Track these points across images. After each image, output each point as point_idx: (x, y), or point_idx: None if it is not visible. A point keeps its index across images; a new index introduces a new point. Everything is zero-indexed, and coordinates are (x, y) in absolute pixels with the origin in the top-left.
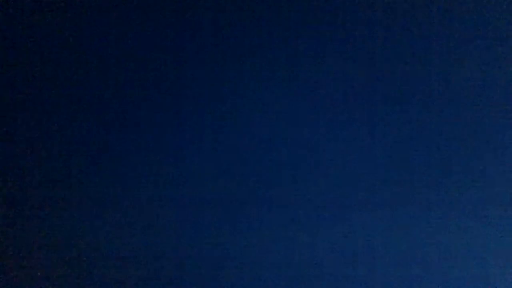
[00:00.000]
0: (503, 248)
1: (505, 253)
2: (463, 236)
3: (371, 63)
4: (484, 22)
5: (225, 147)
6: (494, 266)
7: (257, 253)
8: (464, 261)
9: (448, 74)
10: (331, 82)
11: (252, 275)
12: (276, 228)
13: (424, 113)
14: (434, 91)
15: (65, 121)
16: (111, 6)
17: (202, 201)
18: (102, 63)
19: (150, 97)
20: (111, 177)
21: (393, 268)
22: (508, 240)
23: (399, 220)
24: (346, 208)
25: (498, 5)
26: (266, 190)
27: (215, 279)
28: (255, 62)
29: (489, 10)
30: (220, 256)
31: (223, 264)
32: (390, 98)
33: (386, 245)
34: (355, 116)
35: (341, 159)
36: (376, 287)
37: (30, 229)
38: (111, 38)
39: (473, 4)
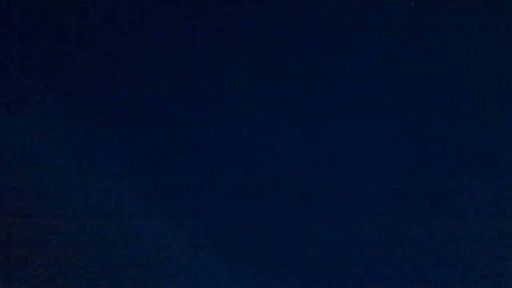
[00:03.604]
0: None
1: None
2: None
3: (379, 62)
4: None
5: (235, 145)
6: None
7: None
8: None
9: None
10: (338, 81)
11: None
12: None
13: (431, 113)
14: (442, 92)
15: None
16: (113, 6)
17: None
18: (110, 62)
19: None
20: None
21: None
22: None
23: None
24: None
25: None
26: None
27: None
28: (262, 60)
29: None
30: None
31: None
32: (397, 97)
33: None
34: (362, 114)
35: (349, 155)
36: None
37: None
38: (114, 37)
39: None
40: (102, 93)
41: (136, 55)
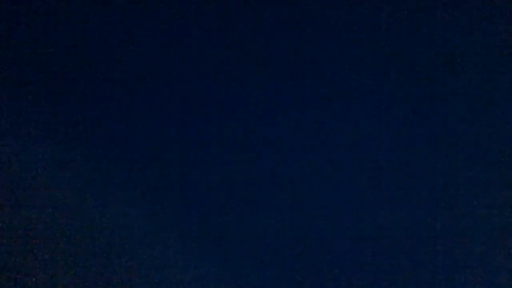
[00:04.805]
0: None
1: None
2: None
3: (377, 65)
4: (485, 22)
5: (232, 146)
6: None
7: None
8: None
9: (452, 76)
10: (337, 83)
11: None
12: (283, 224)
13: (428, 115)
14: (438, 94)
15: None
16: (115, 6)
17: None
18: (110, 63)
19: (158, 95)
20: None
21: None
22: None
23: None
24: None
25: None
26: (271, 188)
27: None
28: (259, 62)
29: (490, 11)
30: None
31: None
32: (394, 99)
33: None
34: (359, 115)
35: (345, 156)
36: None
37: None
38: (115, 38)
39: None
40: (98, 94)
41: (133, 57)
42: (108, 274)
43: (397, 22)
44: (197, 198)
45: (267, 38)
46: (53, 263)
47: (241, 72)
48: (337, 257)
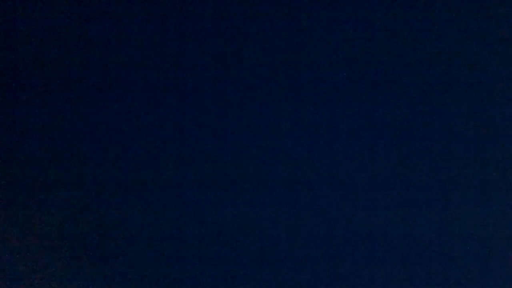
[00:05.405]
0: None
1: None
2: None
3: (373, 65)
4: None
5: (230, 146)
6: (493, 257)
7: (257, 231)
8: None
9: (451, 73)
10: (334, 82)
11: (251, 252)
12: (277, 208)
13: (427, 114)
14: (438, 94)
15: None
16: (114, 6)
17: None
18: (107, 64)
19: (154, 93)
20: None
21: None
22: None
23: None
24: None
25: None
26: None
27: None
28: (256, 61)
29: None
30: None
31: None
32: (393, 98)
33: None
34: (358, 114)
35: (343, 150)
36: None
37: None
38: (114, 38)
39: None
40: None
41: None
42: (107, 273)
43: (397, 21)
44: (196, 198)
45: (266, 37)
46: (52, 262)
47: (238, 70)
48: (337, 257)
